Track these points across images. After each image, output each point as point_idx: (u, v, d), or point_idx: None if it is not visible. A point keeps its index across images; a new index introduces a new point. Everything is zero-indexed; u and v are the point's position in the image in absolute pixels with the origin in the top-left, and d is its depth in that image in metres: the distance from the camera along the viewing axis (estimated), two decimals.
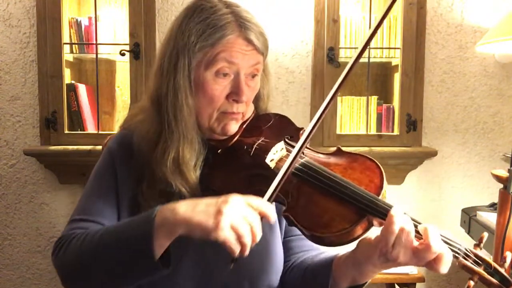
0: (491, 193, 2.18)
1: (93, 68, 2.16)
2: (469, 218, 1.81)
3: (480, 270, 0.71)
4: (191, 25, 0.88)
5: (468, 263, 0.71)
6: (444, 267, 0.70)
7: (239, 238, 0.70)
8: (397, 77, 2.18)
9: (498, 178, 1.34)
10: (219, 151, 0.94)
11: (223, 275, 0.88)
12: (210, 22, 0.86)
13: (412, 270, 1.94)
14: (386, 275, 1.92)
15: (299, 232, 0.79)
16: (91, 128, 2.14)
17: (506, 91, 2.24)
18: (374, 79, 2.27)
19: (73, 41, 2.11)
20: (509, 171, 1.25)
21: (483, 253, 0.74)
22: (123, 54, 2.05)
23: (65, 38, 2.07)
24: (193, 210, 0.73)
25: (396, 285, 2.05)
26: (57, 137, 2.07)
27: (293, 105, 2.20)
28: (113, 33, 2.15)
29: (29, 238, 2.23)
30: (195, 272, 0.88)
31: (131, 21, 2.06)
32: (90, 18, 2.10)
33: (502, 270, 0.71)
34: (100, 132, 2.11)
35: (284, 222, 0.98)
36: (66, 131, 2.08)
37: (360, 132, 2.18)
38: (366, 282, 0.81)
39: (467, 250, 0.72)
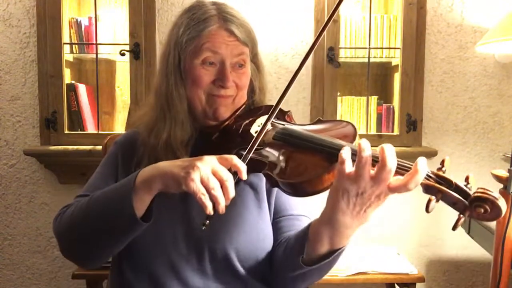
0: None
1: (93, 68, 2.16)
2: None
3: (442, 187, 0.72)
4: (181, 21, 0.99)
5: (430, 182, 0.73)
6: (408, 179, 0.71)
7: (209, 191, 0.74)
8: (397, 77, 2.18)
9: (498, 178, 1.34)
10: (213, 137, 1.00)
11: (210, 246, 0.94)
12: (196, 17, 0.97)
13: (412, 270, 1.94)
14: (386, 275, 1.92)
15: (288, 213, 0.85)
16: (91, 128, 2.14)
17: (506, 91, 2.24)
18: (374, 79, 2.28)
19: (73, 41, 2.11)
20: (509, 171, 1.25)
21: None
22: (123, 54, 2.05)
23: (65, 38, 2.08)
24: (170, 165, 0.81)
25: (396, 285, 2.05)
26: (57, 137, 2.07)
27: (293, 105, 2.19)
28: (113, 33, 2.15)
29: (29, 238, 2.23)
30: (188, 246, 0.95)
31: (131, 21, 2.06)
32: (90, 18, 2.10)
33: (464, 187, 0.71)
34: (100, 132, 2.11)
35: (273, 203, 1.03)
36: (66, 131, 2.08)
37: (360, 132, 2.17)
38: (343, 248, 0.82)
39: (428, 171, 0.74)
